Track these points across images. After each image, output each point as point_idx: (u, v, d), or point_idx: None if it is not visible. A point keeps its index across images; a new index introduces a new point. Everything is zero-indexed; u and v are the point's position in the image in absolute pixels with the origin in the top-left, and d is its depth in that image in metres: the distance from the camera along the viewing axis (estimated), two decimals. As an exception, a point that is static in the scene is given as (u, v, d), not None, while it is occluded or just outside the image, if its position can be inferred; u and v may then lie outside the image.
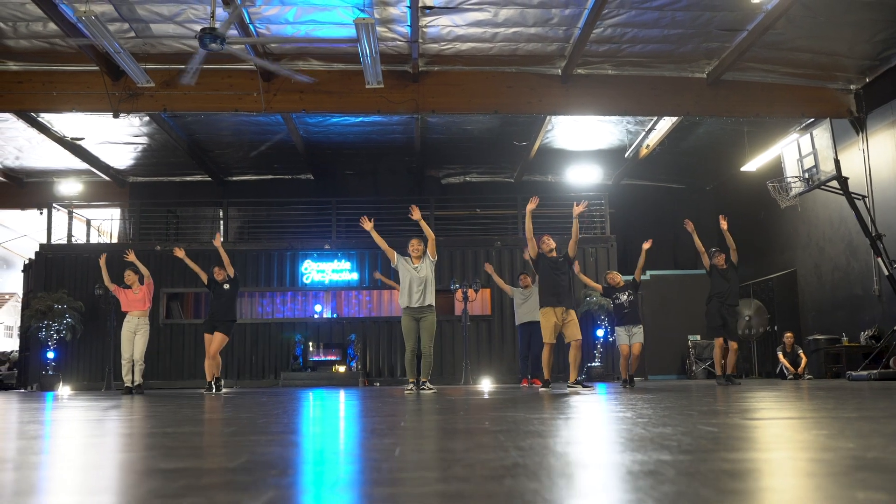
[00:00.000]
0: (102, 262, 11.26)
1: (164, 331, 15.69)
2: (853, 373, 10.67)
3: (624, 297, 10.58)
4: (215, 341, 10.59)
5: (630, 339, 10.49)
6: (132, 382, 10.74)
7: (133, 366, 10.77)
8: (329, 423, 3.85)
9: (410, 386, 9.08)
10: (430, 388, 8.94)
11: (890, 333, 11.28)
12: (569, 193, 17.61)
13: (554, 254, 8.88)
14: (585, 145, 16.55)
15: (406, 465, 1.99)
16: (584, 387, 8.61)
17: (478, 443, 2.46)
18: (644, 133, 15.42)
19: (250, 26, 11.07)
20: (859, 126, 12.77)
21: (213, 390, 10.50)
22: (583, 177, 17.73)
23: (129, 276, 11.07)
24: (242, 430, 3.32)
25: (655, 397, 6.07)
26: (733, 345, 10.24)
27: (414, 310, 8.97)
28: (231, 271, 10.81)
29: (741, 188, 16.80)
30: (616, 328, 10.84)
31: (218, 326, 10.65)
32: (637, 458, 1.94)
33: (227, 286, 10.80)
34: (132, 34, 11.42)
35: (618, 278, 10.87)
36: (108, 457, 2.38)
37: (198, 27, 10.33)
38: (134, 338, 10.81)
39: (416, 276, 9.00)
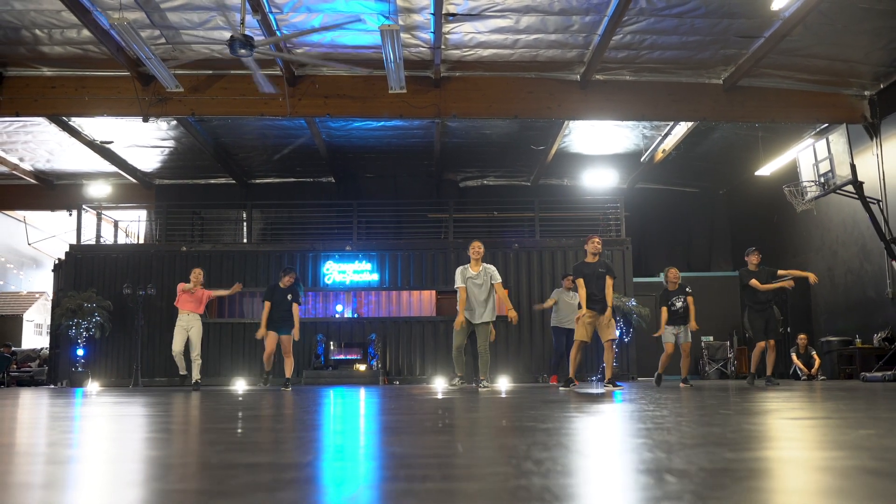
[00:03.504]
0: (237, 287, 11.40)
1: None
2: (867, 374, 10.60)
3: (679, 304, 10.34)
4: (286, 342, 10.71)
5: (679, 338, 10.32)
6: (188, 371, 10.98)
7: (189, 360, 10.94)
8: (393, 421, 3.85)
9: (456, 379, 9.09)
10: (486, 386, 8.94)
11: (904, 335, 11.21)
12: (585, 197, 17.63)
13: (597, 258, 8.95)
14: (602, 149, 16.52)
15: (474, 460, 1.99)
16: (615, 386, 8.61)
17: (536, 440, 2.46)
18: (660, 138, 15.38)
19: (278, 32, 11.10)
20: (873, 131, 12.70)
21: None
22: (599, 180, 17.70)
23: (197, 274, 11.08)
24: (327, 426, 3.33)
25: (686, 397, 6.05)
26: (772, 342, 10.13)
27: (473, 321, 9.03)
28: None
29: (754, 192, 16.73)
30: (666, 326, 10.59)
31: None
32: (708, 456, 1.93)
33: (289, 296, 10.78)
34: (163, 40, 11.48)
35: (677, 277, 10.42)
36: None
37: (227, 34, 10.40)
38: (186, 333, 10.87)
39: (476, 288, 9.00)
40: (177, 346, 10.82)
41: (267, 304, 10.57)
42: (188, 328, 10.86)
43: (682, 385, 9.86)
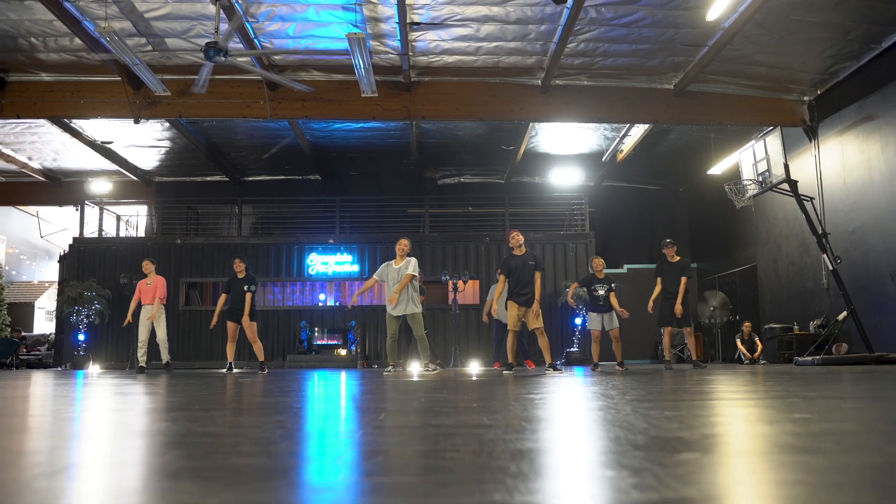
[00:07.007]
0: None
1: (183, 316, 15.90)
2: (799, 358, 10.73)
3: (602, 292, 10.36)
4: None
5: (605, 325, 10.35)
6: (146, 363, 11.01)
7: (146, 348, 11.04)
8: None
9: (390, 368, 9.12)
10: (431, 370, 9.00)
11: (833, 323, 11.34)
12: (553, 194, 17.75)
13: (523, 249, 8.81)
14: (567, 149, 16.63)
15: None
16: (555, 370, 8.61)
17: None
18: (619, 138, 15.49)
19: (255, 40, 11.22)
20: (812, 134, 12.82)
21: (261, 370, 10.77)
22: (566, 178, 17.80)
23: (146, 266, 11.18)
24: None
25: (592, 381, 6.19)
26: (687, 329, 10.24)
27: (394, 313, 9.06)
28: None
29: (710, 190, 16.84)
30: (590, 312, 10.64)
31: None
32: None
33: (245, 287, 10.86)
34: (149, 47, 11.59)
35: (602, 266, 10.55)
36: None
37: (206, 41, 10.50)
38: (150, 323, 11.01)
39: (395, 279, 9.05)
40: (142, 335, 10.99)
41: (223, 297, 10.77)
42: (149, 318, 10.97)
43: (617, 368, 9.93)
